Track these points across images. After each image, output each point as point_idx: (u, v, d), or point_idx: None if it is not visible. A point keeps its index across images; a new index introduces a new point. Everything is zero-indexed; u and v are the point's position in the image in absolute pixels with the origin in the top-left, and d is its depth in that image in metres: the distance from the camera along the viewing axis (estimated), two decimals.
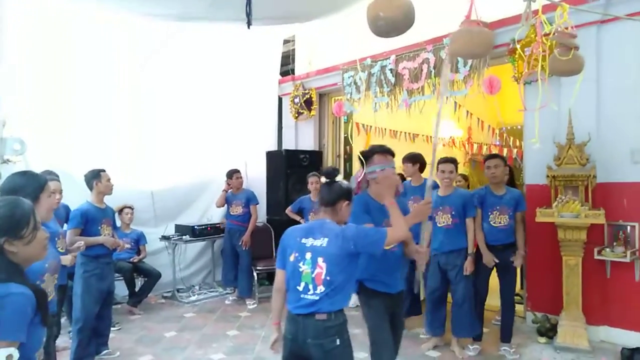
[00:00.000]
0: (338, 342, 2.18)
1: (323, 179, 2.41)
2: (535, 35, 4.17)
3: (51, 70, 5.21)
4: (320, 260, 2.19)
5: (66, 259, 3.43)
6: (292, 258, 2.25)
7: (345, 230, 2.24)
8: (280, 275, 2.33)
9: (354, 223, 2.45)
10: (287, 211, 5.73)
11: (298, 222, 5.42)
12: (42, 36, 5.10)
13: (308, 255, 2.21)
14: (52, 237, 2.93)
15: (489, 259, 4.02)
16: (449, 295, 4.21)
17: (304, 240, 2.26)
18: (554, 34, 2.67)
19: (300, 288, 2.20)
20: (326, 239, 2.22)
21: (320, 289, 2.17)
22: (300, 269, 2.22)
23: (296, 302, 2.21)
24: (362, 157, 2.77)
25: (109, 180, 4.02)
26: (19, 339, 1.38)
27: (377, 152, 2.76)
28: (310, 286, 2.18)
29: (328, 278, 2.16)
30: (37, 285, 1.59)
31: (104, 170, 4.02)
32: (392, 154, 2.80)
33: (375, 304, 2.72)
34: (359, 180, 2.77)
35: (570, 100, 3.81)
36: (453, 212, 4.03)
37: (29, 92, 4.96)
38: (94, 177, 3.96)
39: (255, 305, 5.70)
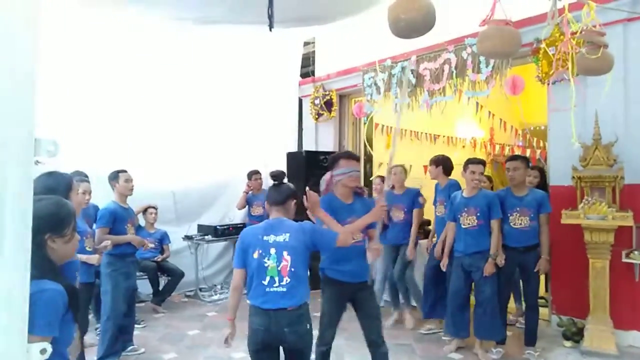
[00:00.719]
0: (308, 326, 2.44)
1: (271, 181, 2.65)
2: (560, 35, 4.10)
3: (77, 71, 5.34)
4: (285, 253, 2.39)
5: (94, 258, 3.51)
6: (255, 255, 2.41)
7: (303, 226, 2.49)
8: (238, 274, 2.49)
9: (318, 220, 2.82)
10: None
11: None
12: (71, 38, 5.23)
13: (272, 251, 2.40)
14: (81, 236, 3.00)
15: (499, 259, 3.97)
16: (471, 297, 4.17)
17: (265, 238, 2.44)
18: (581, 32, 2.62)
19: (266, 282, 2.38)
20: (288, 234, 2.43)
21: (286, 280, 2.38)
22: (266, 264, 2.39)
23: (263, 297, 2.38)
24: (329, 161, 3.11)
25: (126, 180, 4.06)
26: (52, 334, 1.41)
27: (342, 158, 3.04)
28: (276, 279, 2.37)
29: (293, 269, 2.39)
30: (69, 283, 1.63)
31: (124, 171, 4.08)
32: (357, 159, 3.11)
33: (332, 291, 3.02)
34: (327, 182, 3.06)
35: (599, 100, 3.72)
36: (478, 214, 3.98)
37: (58, 93, 5.09)
38: (113, 179, 4.04)
39: None
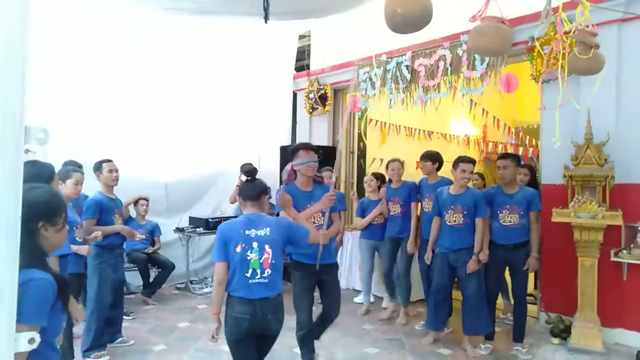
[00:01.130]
0: (284, 312, 2.63)
1: (243, 177, 2.74)
2: (555, 33, 4.12)
3: (70, 61, 5.29)
4: (267, 247, 2.53)
5: (84, 249, 3.50)
6: (238, 249, 2.50)
7: (281, 221, 2.69)
8: (222, 268, 2.53)
9: (278, 210, 3.17)
10: None
11: None
12: (63, 27, 5.18)
13: (255, 244, 2.51)
14: (71, 226, 2.99)
15: (483, 255, 4.03)
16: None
17: (247, 232, 2.53)
18: (574, 32, 2.63)
19: (248, 274, 2.49)
20: (268, 229, 2.56)
21: (268, 272, 2.51)
22: (249, 257, 2.49)
23: (247, 289, 2.48)
24: (289, 152, 3.35)
25: (110, 170, 4.00)
26: (40, 324, 1.41)
27: (301, 149, 3.29)
28: (258, 271, 2.50)
29: (273, 261, 2.54)
30: (59, 273, 1.63)
31: (107, 161, 4.03)
32: (315, 150, 3.33)
33: (299, 273, 3.33)
34: (288, 172, 3.31)
35: (590, 100, 3.75)
36: (465, 212, 4.03)
37: (49, 82, 5.05)
38: (96, 169, 4.00)
39: None
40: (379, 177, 5.40)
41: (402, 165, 5.07)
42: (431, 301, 4.29)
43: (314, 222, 3.27)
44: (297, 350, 4.01)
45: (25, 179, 2.03)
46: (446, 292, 4.21)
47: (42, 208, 1.54)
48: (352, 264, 6.19)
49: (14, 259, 1.12)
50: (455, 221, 4.06)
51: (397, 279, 5.02)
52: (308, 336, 3.32)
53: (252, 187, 2.66)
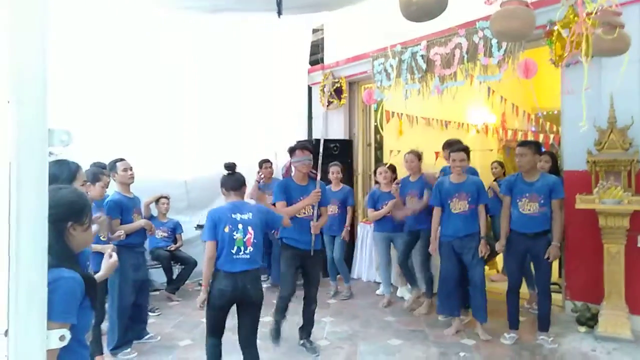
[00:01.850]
0: (262, 284, 3.15)
1: (225, 172, 3.24)
2: (574, 16, 4.01)
3: (86, 62, 5.36)
4: (249, 228, 3.02)
5: (108, 248, 3.55)
6: (226, 230, 2.98)
7: (260, 208, 3.26)
8: (212, 246, 2.98)
9: (275, 200, 3.81)
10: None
11: None
12: (81, 28, 5.24)
13: (240, 226, 3.01)
14: None
15: (499, 246, 4.11)
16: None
17: (234, 215, 3.02)
18: (597, 12, 2.56)
19: (234, 251, 2.97)
20: (251, 213, 3.07)
21: (250, 249, 3.00)
22: (235, 237, 2.98)
23: (231, 263, 2.96)
24: (288, 151, 3.89)
25: (125, 169, 4.02)
26: (70, 321, 1.44)
27: (298, 149, 3.82)
28: (242, 248, 2.99)
29: (255, 241, 3.03)
30: (86, 271, 1.66)
31: (120, 160, 4.05)
32: (310, 150, 3.85)
33: (287, 254, 3.86)
34: (286, 167, 3.95)
35: (614, 82, 3.65)
36: (469, 199, 4.10)
37: (69, 85, 5.12)
38: (111, 169, 4.00)
39: None
40: (393, 168, 5.37)
41: (419, 157, 5.03)
42: (442, 290, 4.34)
43: (305, 214, 3.80)
44: (319, 343, 4.05)
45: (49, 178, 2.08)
46: (455, 280, 4.22)
47: (70, 208, 1.58)
48: (371, 257, 6.17)
49: (42, 259, 1.14)
50: (460, 209, 4.12)
51: (413, 268, 5.04)
52: (285, 301, 3.88)
53: (234, 180, 3.19)
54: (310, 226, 3.78)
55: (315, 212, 3.79)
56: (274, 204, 3.82)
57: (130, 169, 4.09)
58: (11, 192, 1.05)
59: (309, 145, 3.89)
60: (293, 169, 3.92)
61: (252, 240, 3.01)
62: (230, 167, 3.25)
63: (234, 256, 2.95)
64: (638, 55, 4.02)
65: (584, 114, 2.99)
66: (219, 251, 2.97)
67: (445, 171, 4.84)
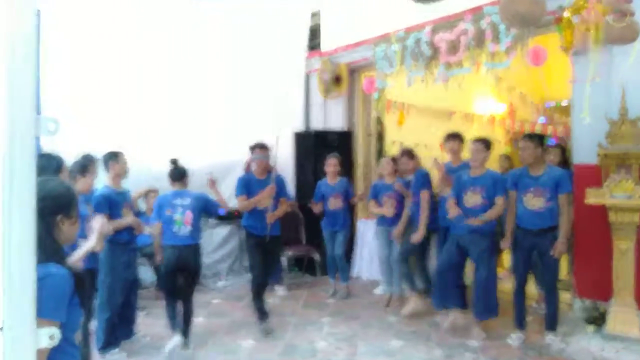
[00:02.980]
0: (201, 257, 4.22)
1: (170, 165, 4.16)
2: (585, 2, 4.03)
3: (80, 48, 5.39)
4: (187, 212, 4.03)
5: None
6: (168, 212, 4.02)
7: (198, 195, 4.15)
8: (158, 225, 4.06)
9: (237, 194, 4.62)
10: (312, 206, 5.67)
11: (323, 213, 5.56)
12: (75, 16, 5.27)
13: (179, 210, 4.03)
14: (82, 220, 3.05)
15: (505, 243, 4.16)
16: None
17: (174, 201, 4.05)
18: None
19: (174, 229, 4.01)
20: (188, 199, 4.07)
21: (188, 228, 4.02)
22: (175, 218, 4.01)
23: (174, 238, 4.02)
24: (250, 148, 4.68)
25: (125, 162, 4.07)
26: (59, 319, 1.46)
27: (257, 147, 4.59)
28: (181, 227, 4.01)
29: (193, 222, 4.04)
30: (74, 268, 1.68)
31: (119, 151, 4.08)
32: (267, 149, 4.59)
33: (249, 240, 4.67)
34: (247, 163, 5.12)
35: (625, 72, 3.67)
36: (484, 194, 4.12)
37: (62, 71, 5.14)
38: (111, 158, 3.99)
39: (285, 291, 5.82)
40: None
41: (412, 155, 5.22)
42: (437, 280, 4.44)
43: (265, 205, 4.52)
44: (317, 344, 4.09)
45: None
46: (451, 273, 4.30)
47: (59, 201, 1.60)
48: (372, 255, 6.21)
49: (31, 254, 1.16)
50: (474, 203, 4.15)
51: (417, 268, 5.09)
52: (262, 287, 4.56)
53: (177, 172, 4.14)
54: (261, 215, 4.49)
55: (271, 204, 4.51)
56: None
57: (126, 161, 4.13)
58: (4, 185, 1.07)
59: (267, 145, 4.60)
60: (253, 164, 4.72)
61: (190, 220, 4.01)
62: (174, 161, 4.18)
63: (174, 233, 3.99)
64: None
65: (586, 104, 3.01)
66: (164, 229, 4.02)
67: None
